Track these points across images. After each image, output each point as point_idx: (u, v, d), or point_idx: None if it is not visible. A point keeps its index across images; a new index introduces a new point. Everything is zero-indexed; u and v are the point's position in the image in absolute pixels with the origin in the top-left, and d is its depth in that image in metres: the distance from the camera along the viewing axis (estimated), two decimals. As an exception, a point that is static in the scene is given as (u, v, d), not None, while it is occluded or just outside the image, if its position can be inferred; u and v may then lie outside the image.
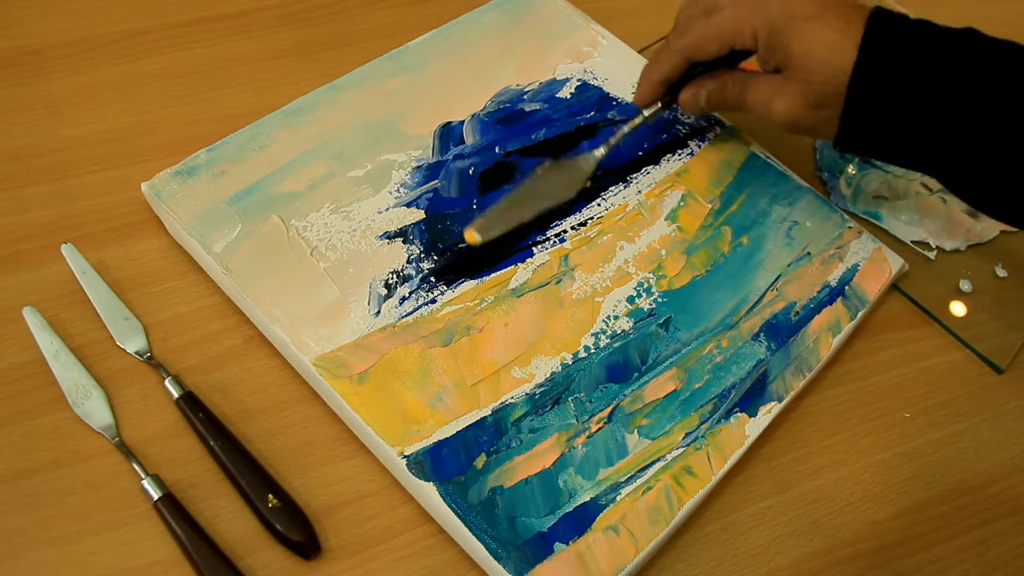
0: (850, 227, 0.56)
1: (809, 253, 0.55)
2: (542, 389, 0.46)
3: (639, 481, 0.45)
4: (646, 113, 0.54)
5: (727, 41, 0.49)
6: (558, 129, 0.57)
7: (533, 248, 0.51)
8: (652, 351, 0.49)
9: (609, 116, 0.58)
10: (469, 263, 0.50)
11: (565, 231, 0.52)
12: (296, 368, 0.47)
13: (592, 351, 0.48)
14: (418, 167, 0.53)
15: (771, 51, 0.48)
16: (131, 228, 0.51)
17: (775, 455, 0.49)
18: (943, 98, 0.44)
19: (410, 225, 0.51)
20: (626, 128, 0.54)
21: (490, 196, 0.53)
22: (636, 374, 0.48)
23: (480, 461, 0.43)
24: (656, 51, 0.54)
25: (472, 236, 0.49)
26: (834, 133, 0.48)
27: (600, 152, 0.54)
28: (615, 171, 0.55)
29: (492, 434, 0.44)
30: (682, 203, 0.55)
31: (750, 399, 0.48)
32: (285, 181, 0.51)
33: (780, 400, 0.49)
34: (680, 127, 0.59)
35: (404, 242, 0.50)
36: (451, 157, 0.54)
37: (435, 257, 0.50)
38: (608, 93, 0.59)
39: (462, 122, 0.56)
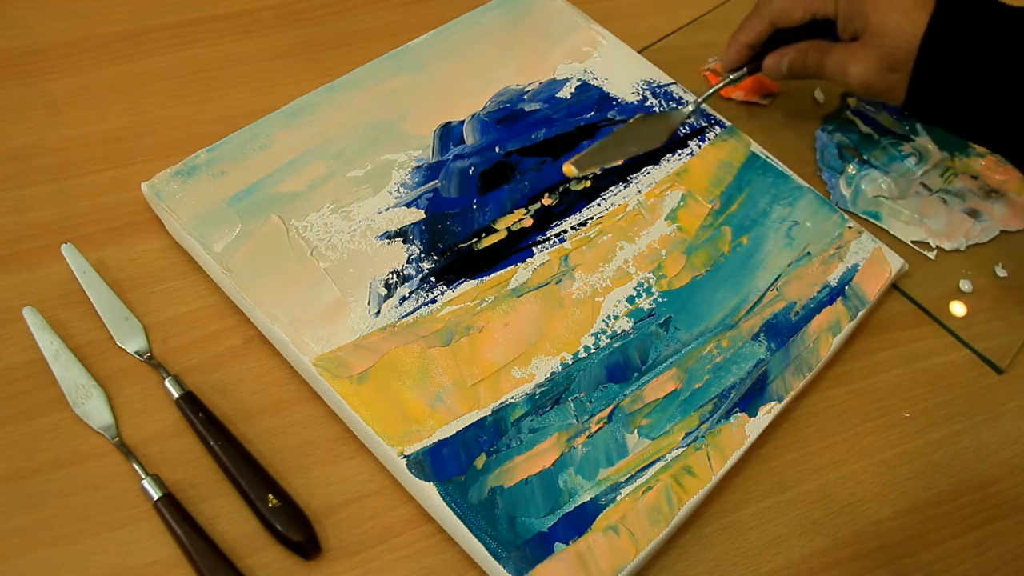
0: (850, 227, 0.56)
1: (809, 253, 0.55)
2: (542, 389, 0.46)
3: (639, 481, 0.44)
4: (732, 76, 0.58)
5: (811, 8, 0.53)
6: (558, 129, 0.57)
7: (533, 248, 0.51)
8: (652, 351, 0.49)
9: (609, 116, 0.58)
10: (469, 263, 0.50)
11: (565, 231, 0.52)
12: (296, 368, 0.47)
13: (592, 351, 0.48)
14: (418, 167, 0.53)
15: (850, 18, 0.52)
16: (131, 228, 0.51)
17: (775, 455, 0.49)
18: (1007, 69, 0.47)
19: (410, 225, 0.51)
20: (714, 88, 0.58)
21: (490, 196, 0.53)
22: (636, 374, 0.48)
23: (480, 461, 0.43)
24: (745, 17, 0.57)
25: (570, 169, 0.54)
26: (903, 97, 0.51)
27: (689, 108, 0.58)
28: (615, 171, 0.55)
29: (492, 434, 0.44)
30: (682, 203, 0.55)
31: (750, 399, 0.48)
32: (285, 181, 0.51)
33: (780, 400, 0.49)
34: (680, 127, 0.59)
35: (404, 242, 0.50)
36: (451, 157, 0.54)
37: (435, 257, 0.50)
38: (608, 93, 0.59)
39: (462, 122, 0.56)
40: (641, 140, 0.57)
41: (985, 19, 0.49)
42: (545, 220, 0.53)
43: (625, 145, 0.56)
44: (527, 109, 0.57)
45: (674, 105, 0.60)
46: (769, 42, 0.57)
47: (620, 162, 0.55)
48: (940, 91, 0.50)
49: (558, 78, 0.59)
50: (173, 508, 0.41)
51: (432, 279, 0.49)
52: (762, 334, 0.51)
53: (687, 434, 0.46)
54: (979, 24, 0.48)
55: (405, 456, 0.43)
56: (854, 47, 0.52)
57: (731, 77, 0.58)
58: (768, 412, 0.48)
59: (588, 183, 0.55)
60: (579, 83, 0.59)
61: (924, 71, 0.49)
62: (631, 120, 0.57)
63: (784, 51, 0.56)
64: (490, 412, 0.45)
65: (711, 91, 0.58)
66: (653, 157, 0.57)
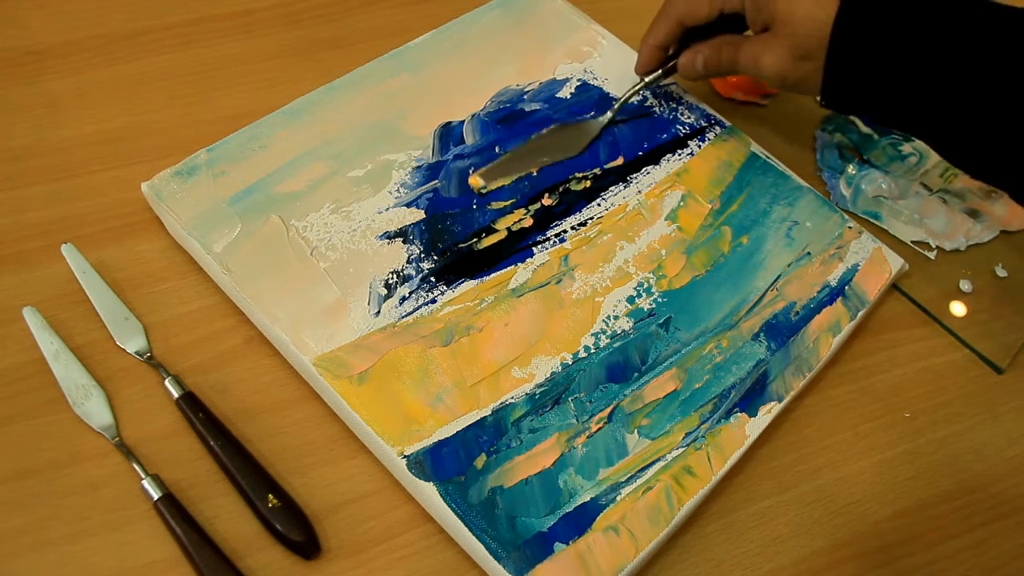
0: (850, 227, 0.56)
1: (809, 253, 0.55)
2: (542, 389, 0.46)
3: (639, 481, 0.44)
4: (647, 79, 0.57)
5: (716, 4, 0.52)
6: (554, 121, 0.56)
7: (533, 248, 0.51)
8: (652, 351, 0.49)
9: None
10: (469, 263, 0.50)
11: (565, 231, 0.52)
12: (296, 368, 0.47)
13: (592, 351, 0.48)
14: (418, 167, 0.53)
15: (757, 10, 0.50)
16: (131, 228, 0.51)
17: (775, 455, 0.49)
18: (923, 50, 0.46)
19: (410, 225, 0.51)
20: (628, 92, 0.57)
21: (490, 196, 0.53)
22: (636, 374, 0.48)
23: (480, 461, 0.43)
24: (652, 20, 0.56)
25: (476, 180, 0.52)
26: (819, 87, 0.49)
27: (606, 117, 0.57)
28: (615, 171, 0.55)
29: (492, 434, 0.44)
30: (682, 203, 0.55)
31: (750, 399, 0.48)
32: (285, 181, 0.51)
33: (780, 400, 0.49)
34: (680, 127, 0.59)
35: (404, 242, 0.50)
36: (451, 157, 0.54)
37: (435, 257, 0.50)
38: (608, 93, 0.59)
39: (462, 122, 0.56)
40: (556, 150, 0.55)
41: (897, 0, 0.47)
42: (545, 220, 0.53)
43: (537, 155, 0.55)
44: (527, 109, 0.57)
45: (674, 106, 0.60)
46: (682, 42, 0.55)
47: (533, 171, 0.54)
48: (855, 77, 0.48)
49: (558, 78, 0.59)
50: (173, 508, 0.41)
51: (432, 279, 0.49)
52: (762, 334, 0.51)
53: (687, 434, 0.46)
54: (891, 5, 0.47)
55: (405, 456, 0.43)
56: (765, 38, 0.50)
57: (645, 80, 0.57)
58: (768, 412, 0.48)
59: (588, 183, 0.55)
60: (579, 83, 0.59)
61: (838, 57, 0.47)
62: (545, 130, 0.56)
63: (697, 48, 0.54)
64: (490, 412, 0.45)
65: (624, 97, 0.57)
66: (653, 157, 0.57)
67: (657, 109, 0.59)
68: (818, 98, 0.51)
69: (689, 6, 0.53)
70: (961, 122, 0.46)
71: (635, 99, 0.59)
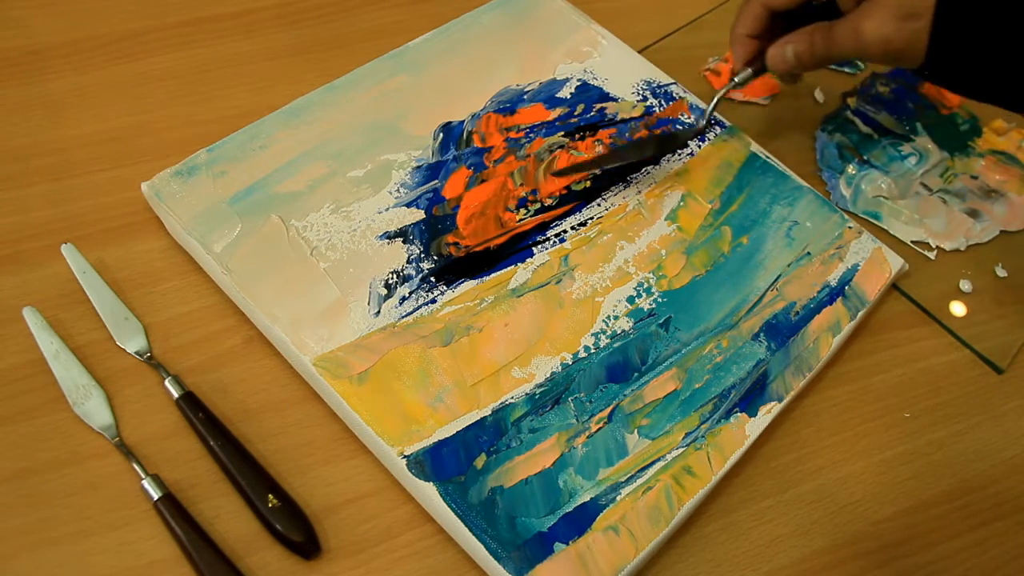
0: (850, 227, 0.56)
1: (809, 253, 0.55)
2: (542, 389, 0.46)
3: (639, 481, 0.44)
4: (737, 79, 0.54)
5: None
6: (558, 129, 0.57)
7: (533, 248, 0.51)
8: (652, 351, 0.49)
9: (608, 117, 0.58)
10: (469, 263, 0.50)
11: (565, 231, 0.52)
12: (296, 368, 0.47)
13: (592, 351, 0.48)
14: (418, 167, 0.53)
15: None
16: (131, 228, 0.51)
17: (775, 455, 0.49)
18: None
19: (410, 225, 0.51)
20: (720, 92, 0.55)
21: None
22: (636, 374, 0.48)
23: (480, 461, 0.43)
24: (737, 10, 0.54)
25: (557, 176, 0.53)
26: (923, 52, 0.46)
27: (702, 124, 0.56)
28: (615, 171, 0.55)
29: (492, 434, 0.44)
30: (682, 203, 0.55)
31: (750, 399, 0.48)
32: (285, 181, 0.51)
33: (780, 400, 0.49)
34: (680, 127, 0.59)
35: (404, 242, 0.50)
36: (451, 157, 0.54)
37: (435, 257, 0.50)
38: (608, 93, 0.59)
39: (462, 122, 0.56)
40: (642, 152, 0.56)
41: None
42: (545, 220, 0.52)
43: (617, 158, 0.55)
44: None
45: (684, 120, 0.60)
46: (771, 33, 0.53)
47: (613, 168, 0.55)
48: (967, 35, 0.44)
49: (558, 78, 0.59)
50: (173, 508, 0.41)
51: (432, 279, 0.49)
52: (762, 334, 0.51)
53: (687, 434, 0.46)
54: None
55: (405, 456, 0.43)
56: (863, 8, 0.47)
57: (735, 80, 0.54)
58: (768, 412, 0.48)
59: (588, 183, 0.55)
60: (579, 83, 0.59)
61: (949, 11, 0.44)
62: (650, 136, 0.56)
63: (786, 39, 0.52)
64: (490, 412, 0.45)
65: (717, 98, 0.55)
66: (653, 157, 0.57)
67: (657, 109, 0.59)
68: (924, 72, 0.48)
69: None
70: None
71: (635, 99, 0.59)
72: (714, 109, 0.55)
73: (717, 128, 0.59)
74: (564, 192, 0.54)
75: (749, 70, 0.54)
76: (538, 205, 0.53)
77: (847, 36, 0.48)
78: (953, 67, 0.47)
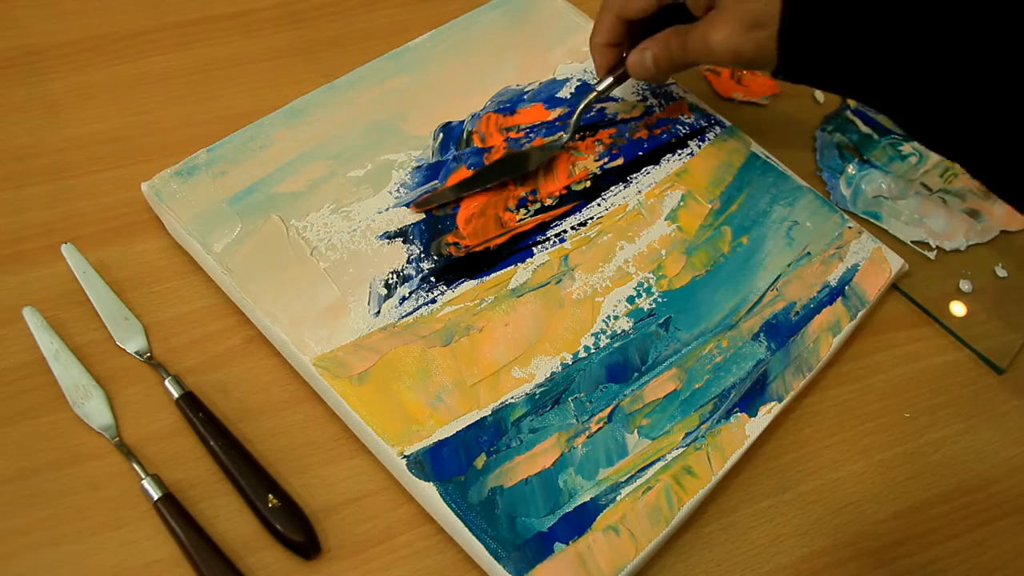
0: (850, 227, 0.56)
1: (809, 253, 0.55)
2: (542, 389, 0.46)
3: (639, 481, 0.44)
4: (599, 88, 0.55)
5: None
6: (558, 129, 0.57)
7: (533, 248, 0.51)
8: (652, 351, 0.49)
9: (608, 117, 0.58)
10: (469, 263, 0.50)
11: (565, 231, 0.52)
12: (296, 368, 0.47)
13: (592, 351, 0.48)
14: (418, 167, 0.53)
15: None
16: (131, 228, 0.51)
17: (775, 455, 0.49)
18: (885, 6, 0.43)
19: (410, 225, 0.51)
20: (581, 105, 0.54)
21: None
22: (636, 374, 0.48)
23: (480, 461, 0.43)
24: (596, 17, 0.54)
25: (416, 208, 0.51)
26: (774, 58, 0.47)
27: (564, 139, 0.55)
28: (615, 171, 0.55)
29: (492, 434, 0.44)
30: (682, 203, 0.55)
31: (750, 399, 0.48)
32: (285, 181, 0.51)
33: (780, 400, 0.49)
34: (680, 127, 0.59)
35: (404, 242, 0.50)
36: (451, 157, 0.54)
37: (435, 257, 0.50)
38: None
39: (462, 122, 0.56)
40: (508, 172, 0.54)
41: None
42: (545, 220, 0.52)
43: (484, 179, 0.53)
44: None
45: (674, 105, 0.60)
46: (630, 40, 0.53)
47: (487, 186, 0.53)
48: (813, 39, 0.45)
49: (558, 78, 0.59)
50: (173, 508, 0.41)
51: (432, 279, 0.49)
52: (762, 334, 0.51)
53: (687, 434, 0.46)
54: None
55: (405, 456, 0.43)
56: (711, 16, 0.48)
57: (597, 89, 0.54)
58: (768, 412, 0.48)
59: (588, 183, 0.55)
60: (579, 83, 0.59)
61: (793, 16, 0.45)
62: (502, 157, 0.54)
63: (644, 45, 0.51)
64: (490, 412, 0.45)
65: (579, 111, 0.54)
66: (653, 157, 0.57)
67: (657, 109, 0.59)
68: (771, 73, 0.48)
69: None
70: (926, 89, 0.44)
71: (635, 98, 0.59)
72: (578, 119, 0.55)
73: (717, 128, 0.59)
74: (564, 192, 0.54)
75: (611, 78, 0.54)
76: (538, 205, 0.53)
77: (698, 46, 0.49)
78: (805, 68, 0.47)
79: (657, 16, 0.51)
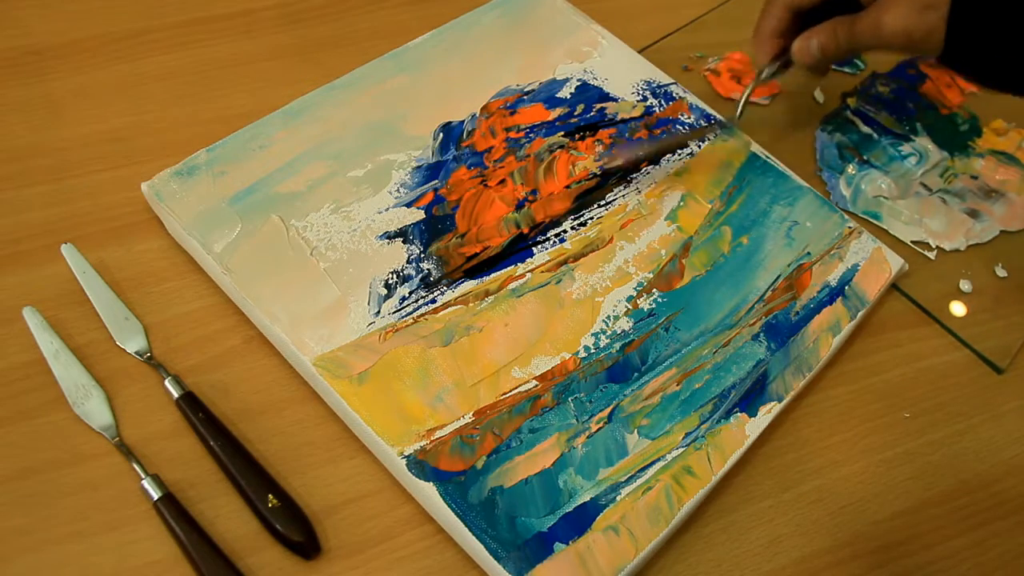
0: (850, 227, 0.56)
1: (809, 253, 0.55)
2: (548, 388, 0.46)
3: (639, 481, 0.44)
4: (763, 75, 0.56)
5: None
6: (558, 129, 0.57)
7: (533, 248, 0.51)
8: (652, 351, 0.49)
9: (608, 117, 0.58)
10: (469, 263, 0.50)
11: (565, 231, 0.52)
12: (296, 368, 0.47)
13: (592, 351, 0.48)
14: (418, 167, 0.53)
15: None
16: (131, 228, 0.51)
17: (775, 455, 0.49)
18: None
19: (410, 225, 0.51)
20: (746, 92, 0.56)
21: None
22: (636, 374, 0.48)
23: (480, 461, 0.43)
24: (760, 11, 0.55)
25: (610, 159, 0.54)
26: (942, 41, 0.48)
27: (736, 119, 0.56)
28: (614, 171, 0.55)
29: (492, 434, 0.44)
30: (682, 203, 0.55)
31: (750, 399, 0.48)
32: (285, 181, 0.51)
33: (780, 400, 0.49)
34: (680, 127, 0.59)
35: (404, 242, 0.50)
36: (451, 157, 0.54)
37: (435, 257, 0.50)
38: (608, 93, 0.59)
39: (462, 122, 0.56)
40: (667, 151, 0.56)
41: None
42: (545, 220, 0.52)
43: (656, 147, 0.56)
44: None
45: (674, 105, 0.60)
46: (794, 32, 0.54)
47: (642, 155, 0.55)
48: (983, 23, 0.46)
49: (558, 78, 0.59)
50: (173, 508, 0.41)
51: (432, 279, 0.49)
52: (762, 334, 0.51)
53: (687, 434, 0.46)
54: None
55: (405, 456, 0.43)
56: (883, 1, 0.49)
57: (763, 76, 0.55)
58: (768, 412, 0.48)
59: (588, 183, 0.55)
60: (579, 83, 0.59)
61: (963, 2, 0.46)
62: (677, 133, 0.57)
63: (809, 33, 0.53)
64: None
65: (744, 97, 0.56)
66: (653, 157, 0.57)
67: (657, 109, 0.59)
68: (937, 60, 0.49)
69: None
70: None
71: (634, 99, 0.59)
72: (745, 105, 0.56)
73: (717, 128, 0.59)
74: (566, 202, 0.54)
75: (777, 63, 0.55)
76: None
77: (868, 28, 0.50)
78: (970, 55, 0.48)
79: (821, 7, 0.53)
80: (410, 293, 0.48)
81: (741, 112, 0.56)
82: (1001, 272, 0.59)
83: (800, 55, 0.54)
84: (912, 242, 0.59)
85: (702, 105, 0.60)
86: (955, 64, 0.49)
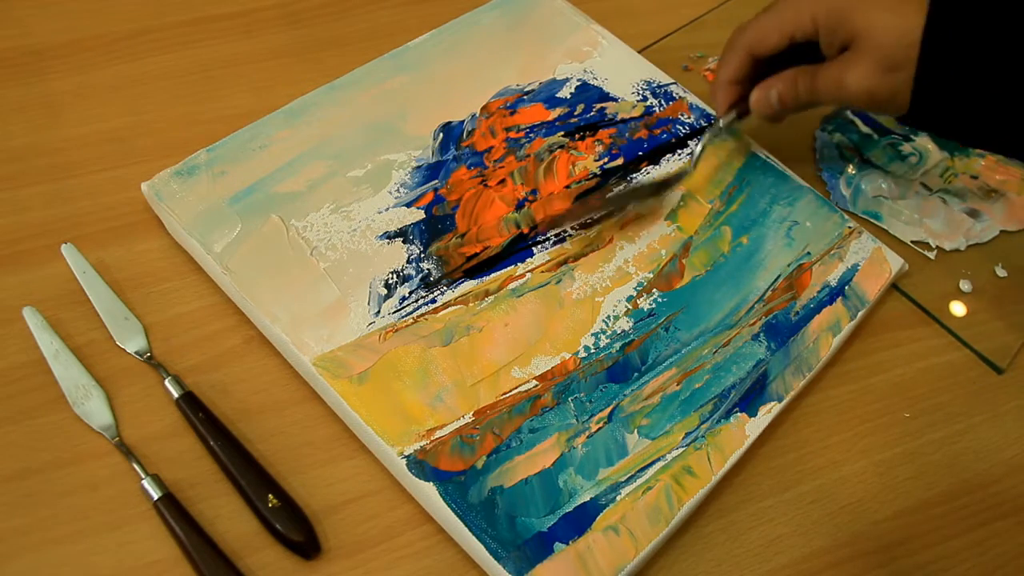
0: (850, 227, 0.56)
1: (809, 253, 0.55)
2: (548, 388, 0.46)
3: (639, 481, 0.44)
4: (721, 124, 0.54)
5: (786, 30, 0.50)
6: (558, 129, 0.57)
7: (533, 248, 0.51)
8: (652, 351, 0.49)
9: (608, 117, 0.58)
10: (469, 263, 0.50)
11: (565, 231, 0.52)
12: (296, 368, 0.47)
13: (592, 351, 0.48)
14: (418, 167, 0.53)
15: (833, 32, 0.48)
16: (131, 228, 0.51)
17: (775, 455, 0.49)
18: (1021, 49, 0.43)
19: (410, 225, 0.51)
20: (704, 140, 0.55)
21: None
22: (636, 374, 0.48)
23: (480, 461, 0.43)
24: (720, 56, 0.54)
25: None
26: (907, 102, 0.47)
27: (691, 169, 0.55)
28: (615, 171, 0.55)
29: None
30: (682, 203, 0.55)
31: (750, 399, 0.48)
32: (285, 181, 0.51)
33: (780, 400, 0.49)
34: (680, 127, 0.59)
35: (404, 242, 0.50)
36: (451, 157, 0.54)
37: (435, 257, 0.50)
38: (608, 93, 0.59)
39: (462, 122, 0.56)
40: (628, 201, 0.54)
41: (991, 3, 0.44)
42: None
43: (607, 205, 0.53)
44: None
45: (674, 105, 0.60)
46: (753, 80, 0.53)
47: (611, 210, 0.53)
48: (950, 85, 0.45)
49: (558, 78, 0.59)
50: (173, 508, 0.41)
51: (432, 279, 0.49)
52: (762, 334, 0.51)
53: (687, 434, 0.46)
54: (986, 6, 0.44)
55: (405, 456, 0.43)
56: (846, 57, 0.48)
57: (720, 126, 0.54)
58: (768, 412, 0.48)
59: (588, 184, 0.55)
60: (579, 83, 0.59)
61: (930, 65, 0.45)
62: (623, 186, 0.54)
63: (770, 83, 0.52)
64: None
65: (702, 144, 0.54)
66: (653, 157, 0.57)
67: (657, 110, 0.59)
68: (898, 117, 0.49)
69: (758, 34, 0.51)
70: None
71: (635, 99, 0.59)
72: (700, 156, 0.55)
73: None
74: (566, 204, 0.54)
75: (733, 113, 0.54)
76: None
77: (830, 85, 0.49)
78: (937, 115, 0.48)
79: (782, 54, 0.51)
80: (410, 293, 0.48)
81: (696, 162, 0.55)
82: (1001, 272, 0.59)
83: (757, 105, 0.53)
84: (912, 242, 0.59)
85: (702, 105, 0.60)
86: (920, 124, 0.48)
